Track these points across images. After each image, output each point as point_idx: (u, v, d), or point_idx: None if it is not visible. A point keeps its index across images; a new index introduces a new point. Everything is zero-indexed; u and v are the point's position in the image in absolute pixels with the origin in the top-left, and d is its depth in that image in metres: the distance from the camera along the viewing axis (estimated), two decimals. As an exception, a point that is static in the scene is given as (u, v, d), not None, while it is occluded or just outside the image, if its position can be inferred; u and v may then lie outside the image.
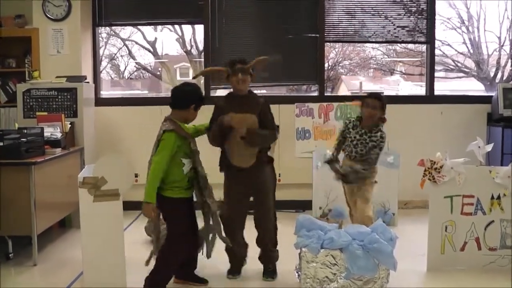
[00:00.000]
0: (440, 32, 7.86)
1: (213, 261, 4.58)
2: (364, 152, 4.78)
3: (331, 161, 4.92)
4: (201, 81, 7.38)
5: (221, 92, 7.21)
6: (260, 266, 4.77)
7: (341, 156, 5.01)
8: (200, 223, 4.40)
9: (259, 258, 4.78)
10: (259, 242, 4.71)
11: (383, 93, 5.10)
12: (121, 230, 4.39)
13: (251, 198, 4.64)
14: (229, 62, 4.53)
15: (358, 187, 4.84)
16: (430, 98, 7.39)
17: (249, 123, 4.39)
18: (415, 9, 7.34)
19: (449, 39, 8.31)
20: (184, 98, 4.21)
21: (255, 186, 4.55)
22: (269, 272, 4.72)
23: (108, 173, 4.29)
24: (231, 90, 4.59)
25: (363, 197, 4.82)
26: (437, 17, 7.46)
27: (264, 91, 7.56)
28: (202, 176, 4.23)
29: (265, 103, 4.55)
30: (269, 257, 4.75)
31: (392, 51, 9.53)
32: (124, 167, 4.36)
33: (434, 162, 4.73)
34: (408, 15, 7.34)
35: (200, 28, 7.45)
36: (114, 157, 4.61)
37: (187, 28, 8.87)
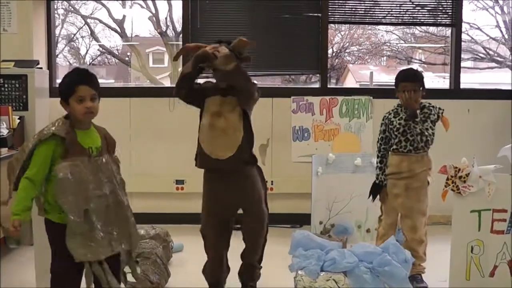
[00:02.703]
0: (468, 13, 7.91)
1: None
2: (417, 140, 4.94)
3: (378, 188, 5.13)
4: (178, 69, 7.38)
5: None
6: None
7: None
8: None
9: (239, 273, 4.79)
10: (244, 256, 4.73)
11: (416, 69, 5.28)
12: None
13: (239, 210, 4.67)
14: (215, 43, 4.58)
15: (406, 189, 4.99)
16: (455, 92, 7.42)
17: (229, 108, 4.49)
18: (439, -16, 7.38)
19: (479, 21, 8.36)
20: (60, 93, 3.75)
21: (243, 192, 4.57)
22: None
23: None
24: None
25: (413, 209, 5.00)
26: (465, -6, 7.48)
27: (255, 82, 7.58)
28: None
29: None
30: (251, 274, 4.77)
31: (410, 35, 9.59)
32: None
33: (459, 169, 4.74)
34: (430, -9, 7.38)
35: (178, 4, 7.46)
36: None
37: (162, 4, 8.89)
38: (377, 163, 5.19)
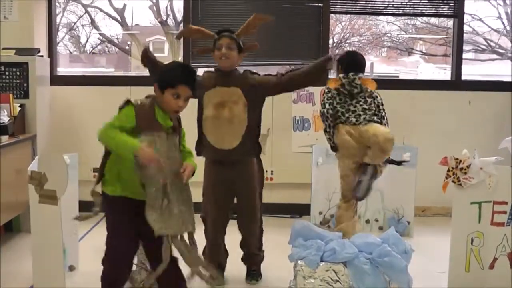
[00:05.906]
0: (470, 4, 7.87)
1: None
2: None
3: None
4: (179, 58, 7.37)
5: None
6: (243, 268, 5.03)
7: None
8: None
9: (242, 259, 5.02)
10: (243, 246, 4.96)
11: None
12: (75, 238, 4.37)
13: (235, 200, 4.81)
14: (217, 32, 4.67)
15: None
16: (456, 83, 7.39)
17: (234, 99, 4.56)
18: (440, -25, 7.35)
19: (480, 12, 8.33)
20: (151, 73, 4.00)
21: (240, 181, 4.69)
22: (253, 274, 4.98)
23: (51, 168, 4.14)
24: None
25: None
26: (467, -15, 7.46)
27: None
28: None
29: (251, 75, 4.83)
30: (253, 260, 5.00)
31: (411, 26, 9.57)
32: (58, 164, 4.17)
33: (460, 161, 4.71)
34: (432, -18, 7.35)
35: (179, -6, 7.45)
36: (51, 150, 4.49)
37: (163, -6, 8.86)
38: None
